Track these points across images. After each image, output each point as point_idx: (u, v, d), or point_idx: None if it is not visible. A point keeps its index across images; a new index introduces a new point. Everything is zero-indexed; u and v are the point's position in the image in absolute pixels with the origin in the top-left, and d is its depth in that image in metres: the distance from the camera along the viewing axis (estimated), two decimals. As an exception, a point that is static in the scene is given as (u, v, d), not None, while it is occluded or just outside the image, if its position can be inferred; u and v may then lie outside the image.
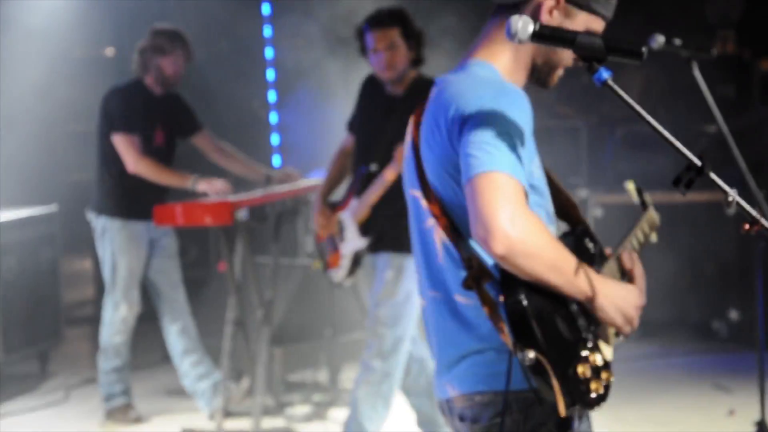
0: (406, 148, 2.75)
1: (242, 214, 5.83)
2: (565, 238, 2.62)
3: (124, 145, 6.00)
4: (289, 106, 8.49)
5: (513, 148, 2.44)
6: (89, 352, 6.69)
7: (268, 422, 6.03)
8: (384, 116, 5.21)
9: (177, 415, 6.42)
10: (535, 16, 2.66)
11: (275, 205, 6.04)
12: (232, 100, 8.19)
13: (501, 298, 2.44)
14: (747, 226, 2.58)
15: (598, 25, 2.72)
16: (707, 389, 6.63)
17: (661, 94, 7.57)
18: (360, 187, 5.23)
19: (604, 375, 2.49)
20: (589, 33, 2.58)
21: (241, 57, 8.49)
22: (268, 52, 8.58)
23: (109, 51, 8.39)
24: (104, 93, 6.18)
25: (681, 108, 6.91)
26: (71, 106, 7.75)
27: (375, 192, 5.14)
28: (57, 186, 7.71)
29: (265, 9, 8.54)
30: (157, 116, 6.17)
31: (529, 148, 2.52)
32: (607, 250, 2.74)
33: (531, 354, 2.39)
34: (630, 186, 2.93)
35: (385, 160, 5.12)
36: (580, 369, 2.45)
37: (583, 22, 2.69)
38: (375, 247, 5.21)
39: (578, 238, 2.67)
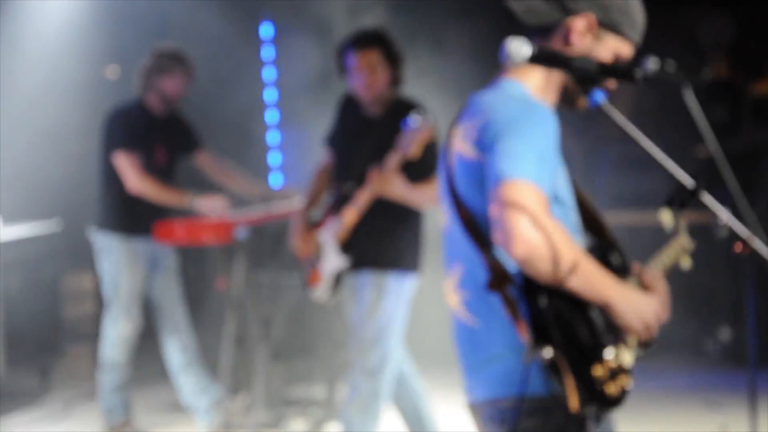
0: (440, 161, 2.84)
1: (242, 234, 5.89)
2: (591, 251, 2.72)
3: (124, 164, 6.04)
4: (291, 125, 8.56)
5: (537, 158, 2.53)
6: (90, 368, 6.74)
7: (266, 437, 6.09)
8: (361, 136, 5.18)
9: (176, 430, 6.47)
10: (567, 40, 2.76)
11: (275, 223, 6.10)
12: (232, 119, 8.26)
13: (522, 301, 2.54)
14: (739, 248, 2.69)
15: (626, 49, 2.83)
16: (699, 407, 6.69)
17: (651, 116, 7.64)
18: (338, 206, 5.19)
19: (620, 379, 2.58)
20: (617, 58, 2.71)
21: (242, 77, 8.55)
22: (270, 73, 8.64)
23: (110, 70, 8.45)
24: (106, 112, 6.23)
25: (671, 130, 6.99)
26: (72, 124, 7.79)
27: (354, 212, 5.08)
28: (59, 202, 7.74)
29: (268, 30, 8.60)
30: (158, 135, 6.22)
31: (554, 161, 2.61)
32: (636, 266, 2.83)
33: (548, 352, 2.48)
34: (664, 212, 2.99)
35: (362, 177, 5.08)
36: (596, 370, 2.54)
37: (612, 45, 2.81)
38: (355, 266, 5.16)
39: (604, 251, 2.76)
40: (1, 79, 7.47)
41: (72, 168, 7.68)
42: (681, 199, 2.69)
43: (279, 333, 6.55)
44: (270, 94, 8.67)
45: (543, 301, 2.52)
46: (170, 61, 6.18)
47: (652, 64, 2.84)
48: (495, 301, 2.61)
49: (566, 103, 2.84)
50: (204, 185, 6.52)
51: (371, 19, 7.60)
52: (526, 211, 2.46)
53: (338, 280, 5.19)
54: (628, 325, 2.62)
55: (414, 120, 4.91)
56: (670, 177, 2.77)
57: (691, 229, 3.07)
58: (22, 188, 7.44)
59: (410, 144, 4.90)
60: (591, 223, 2.88)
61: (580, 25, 2.78)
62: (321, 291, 5.24)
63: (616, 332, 2.63)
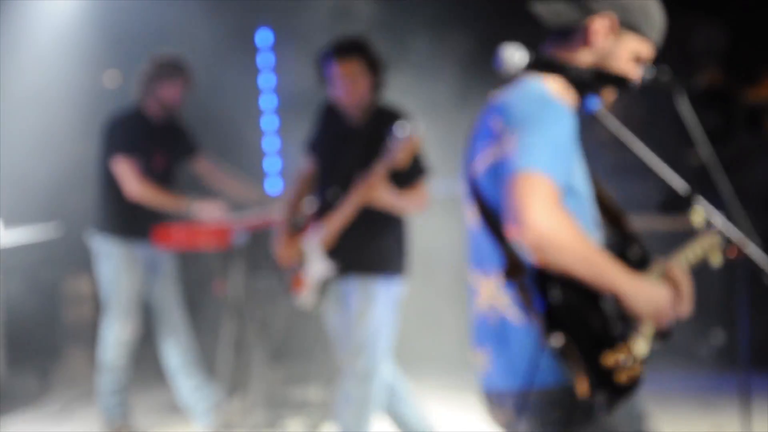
0: (462, 160, 2.92)
1: (240, 239, 5.93)
2: (610, 245, 2.78)
3: (123, 169, 6.08)
4: (290, 132, 8.58)
5: (551, 151, 2.61)
6: (90, 370, 6.78)
7: (264, 439, 6.12)
8: (345, 144, 5.16)
9: (174, 431, 6.51)
10: (588, 41, 2.83)
11: (272, 228, 6.14)
12: (229, 125, 8.29)
13: (535, 290, 2.61)
14: (733, 253, 2.76)
15: (646, 49, 2.89)
16: (692, 409, 6.74)
17: (644, 122, 7.68)
18: (322, 212, 5.16)
19: (631, 368, 2.64)
20: (637, 59, 2.78)
21: (240, 83, 8.58)
22: (268, 79, 8.68)
23: (108, 75, 8.48)
24: (105, 117, 6.26)
25: (664, 137, 7.03)
26: (71, 128, 7.82)
27: (340, 218, 5.05)
28: (58, 205, 7.77)
29: (265, 36, 8.63)
30: (156, 141, 6.25)
31: (569, 155, 2.69)
32: (659, 260, 2.89)
33: (560, 338, 2.54)
34: (696, 210, 3.05)
35: (346, 185, 5.07)
36: (607, 359, 2.61)
37: (632, 46, 2.87)
38: (342, 272, 5.13)
39: (623, 245, 2.83)
40: (1, 83, 7.49)
41: (71, 172, 7.70)
42: (675, 205, 2.76)
43: (276, 335, 6.59)
44: (266, 101, 8.70)
45: (555, 290, 2.59)
46: (169, 67, 6.22)
47: (646, 71, 2.91)
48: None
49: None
50: (202, 190, 6.56)
51: (366, 25, 7.64)
52: (537, 201, 2.54)
53: (323, 286, 5.17)
54: (639, 313, 2.69)
55: (401, 128, 4.90)
56: (664, 183, 2.83)
57: (684, 234, 3.12)
58: (23, 192, 7.46)
59: (398, 152, 4.89)
60: (611, 218, 2.94)
61: (602, 25, 2.85)
62: (305, 297, 5.22)
63: (629, 322, 2.69)
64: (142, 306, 6.29)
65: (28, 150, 7.56)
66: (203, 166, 6.50)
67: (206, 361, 6.48)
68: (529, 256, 2.58)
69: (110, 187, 6.16)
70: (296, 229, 5.28)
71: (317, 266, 5.15)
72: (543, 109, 2.69)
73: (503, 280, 2.69)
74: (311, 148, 5.31)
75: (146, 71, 6.23)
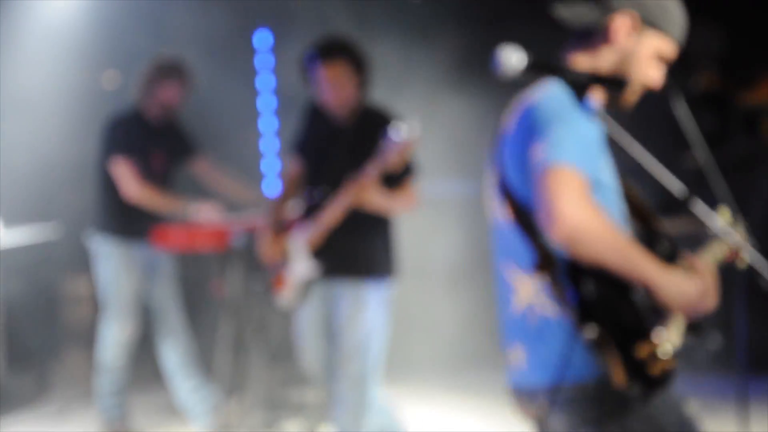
0: (491, 157, 2.94)
1: (238, 240, 5.94)
2: (637, 239, 2.80)
3: (122, 170, 6.10)
4: (289, 133, 8.58)
5: (579, 144, 2.64)
6: (88, 371, 6.79)
7: (261, 439, 6.13)
8: (332, 144, 5.13)
9: (172, 433, 6.54)
10: (610, 39, 2.86)
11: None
12: (229, 126, 8.31)
13: (567, 283, 2.64)
14: (734, 256, 2.79)
15: (668, 48, 2.92)
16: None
17: (641, 125, 7.68)
18: (309, 212, 5.13)
19: (664, 360, 2.66)
20: (659, 58, 2.80)
21: (239, 84, 8.59)
22: (269, 81, 8.68)
23: (108, 76, 8.50)
24: (103, 118, 6.28)
25: (661, 139, 7.04)
26: (70, 128, 7.82)
27: (328, 219, 5.01)
28: (58, 206, 7.78)
29: (264, 37, 8.64)
30: (155, 142, 6.27)
31: (596, 149, 2.72)
32: (686, 255, 2.91)
33: (594, 330, 2.57)
34: (722, 209, 3.06)
35: (334, 185, 5.03)
36: (640, 351, 2.63)
37: (654, 44, 2.90)
38: (331, 275, 5.10)
39: (651, 239, 2.85)
40: (1, 83, 7.51)
41: (70, 173, 7.71)
42: (673, 207, 2.79)
43: (274, 337, 6.60)
44: (264, 102, 8.70)
45: (588, 283, 2.62)
46: (168, 69, 6.23)
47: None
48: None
49: (612, 102, 2.94)
50: (200, 191, 6.57)
51: (369, 26, 7.66)
52: (568, 193, 2.56)
53: (305, 288, 5.14)
54: (671, 305, 2.71)
55: (396, 130, 4.85)
56: (661, 186, 2.85)
57: (681, 237, 3.14)
58: (22, 192, 7.47)
59: (392, 155, 4.84)
60: (638, 213, 2.96)
61: (623, 23, 2.88)
62: (286, 297, 5.19)
63: (661, 314, 2.71)
64: (141, 307, 6.30)
65: (27, 150, 7.56)
66: (201, 168, 6.51)
67: (204, 363, 6.49)
68: (562, 249, 2.60)
69: (109, 188, 6.18)
70: (282, 228, 5.25)
71: (301, 266, 5.12)
72: (569, 106, 2.72)
73: (535, 275, 2.70)
74: (298, 149, 5.28)
75: (145, 72, 6.24)
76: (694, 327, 2.83)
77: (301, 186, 5.25)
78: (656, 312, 2.71)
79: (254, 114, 8.72)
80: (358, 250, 5.08)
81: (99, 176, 6.26)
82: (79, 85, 7.93)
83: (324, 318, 5.17)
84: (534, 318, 2.81)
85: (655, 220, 2.97)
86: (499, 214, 2.90)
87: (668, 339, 2.70)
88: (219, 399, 6.22)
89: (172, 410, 6.70)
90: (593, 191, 2.69)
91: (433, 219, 7.56)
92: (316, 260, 5.10)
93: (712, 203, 3.03)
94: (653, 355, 2.65)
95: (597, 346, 2.61)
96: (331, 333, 5.17)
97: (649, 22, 2.90)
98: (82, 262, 6.74)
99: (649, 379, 2.66)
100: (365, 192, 4.93)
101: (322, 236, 5.07)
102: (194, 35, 7.85)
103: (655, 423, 2.76)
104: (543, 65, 2.70)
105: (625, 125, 2.91)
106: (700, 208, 2.85)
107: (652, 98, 3.09)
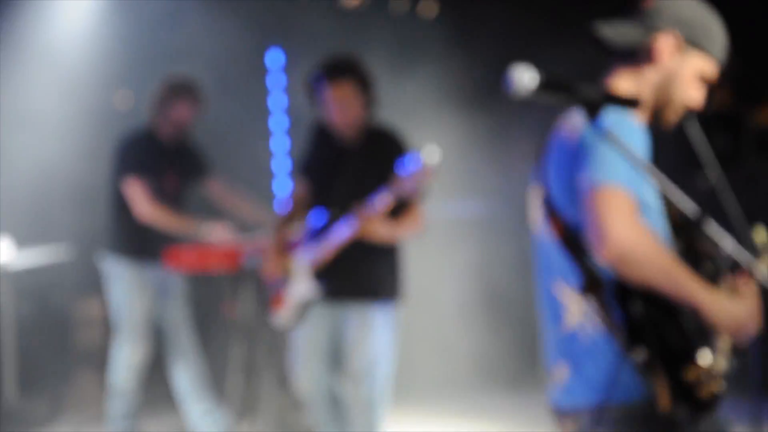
0: (534, 176, 2.93)
1: (250, 261, 5.94)
2: (683, 260, 2.78)
3: (134, 191, 6.11)
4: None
5: (626, 164, 2.62)
6: (100, 394, 6.78)
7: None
8: (339, 165, 5.11)
9: (184, 455, 6.52)
10: (654, 59, 2.86)
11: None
12: (242, 147, 8.32)
13: (615, 305, 2.62)
14: (745, 277, 2.76)
15: (710, 67, 2.92)
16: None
17: (654, 144, 7.65)
18: (315, 234, 5.11)
19: (712, 383, 2.64)
20: (702, 78, 2.79)
21: (251, 104, 8.60)
22: (281, 100, 8.69)
23: (120, 96, 8.51)
24: (116, 138, 6.30)
25: (673, 159, 7.03)
26: (82, 149, 7.84)
27: (335, 244, 4.99)
28: (69, 227, 7.79)
29: (276, 57, 8.65)
30: (168, 162, 6.29)
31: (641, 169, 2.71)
32: (730, 277, 2.89)
33: (642, 353, 2.55)
34: (759, 230, 3.05)
35: (340, 205, 5.02)
36: (688, 373, 2.61)
37: (696, 64, 2.90)
38: (338, 297, 5.08)
39: (696, 260, 2.82)
40: (13, 103, 7.53)
41: (82, 193, 7.72)
42: (687, 227, 2.77)
43: (286, 359, 6.58)
44: (276, 122, 8.71)
45: (635, 305, 2.60)
46: (180, 89, 6.25)
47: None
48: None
49: (657, 120, 2.93)
50: (212, 212, 6.56)
51: (376, 45, 7.67)
52: (617, 214, 2.56)
53: (304, 308, 5.11)
54: (720, 326, 2.69)
55: (415, 158, 4.79)
56: (674, 205, 2.83)
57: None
58: (34, 213, 7.48)
59: (410, 184, 4.79)
60: (683, 233, 2.94)
61: (667, 43, 2.87)
62: (283, 316, 5.17)
63: (708, 337, 2.69)
64: (152, 329, 6.29)
65: (40, 171, 7.58)
66: (214, 188, 6.51)
67: (216, 385, 6.47)
68: (610, 270, 2.59)
69: (121, 208, 6.19)
70: (286, 247, 5.22)
71: (302, 287, 5.10)
72: (617, 125, 2.69)
73: (583, 296, 2.69)
74: (304, 170, 5.27)
75: (157, 92, 6.26)
76: (741, 351, 2.81)
77: (308, 206, 5.23)
78: (704, 334, 2.69)
79: (266, 134, 8.73)
80: (364, 273, 5.06)
81: (111, 197, 6.26)
82: (91, 105, 7.94)
83: (325, 341, 5.15)
84: (584, 336, 2.80)
85: (697, 240, 2.95)
86: (545, 231, 2.88)
87: (716, 362, 2.68)
88: (230, 422, 6.21)
89: (185, 432, 6.68)
90: (640, 212, 2.67)
91: (440, 240, 7.54)
92: (319, 282, 5.07)
93: (725, 223, 3.01)
94: (701, 378, 2.64)
95: (645, 368, 2.59)
96: (334, 356, 5.15)
97: (692, 42, 2.90)
98: (94, 284, 6.74)
99: (697, 402, 2.64)
100: (373, 225, 4.90)
101: (327, 258, 5.05)
102: (206, 55, 7.86)
103: None
104: (556, 84, 2.68)
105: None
106: (713, 228, 2.82)
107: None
